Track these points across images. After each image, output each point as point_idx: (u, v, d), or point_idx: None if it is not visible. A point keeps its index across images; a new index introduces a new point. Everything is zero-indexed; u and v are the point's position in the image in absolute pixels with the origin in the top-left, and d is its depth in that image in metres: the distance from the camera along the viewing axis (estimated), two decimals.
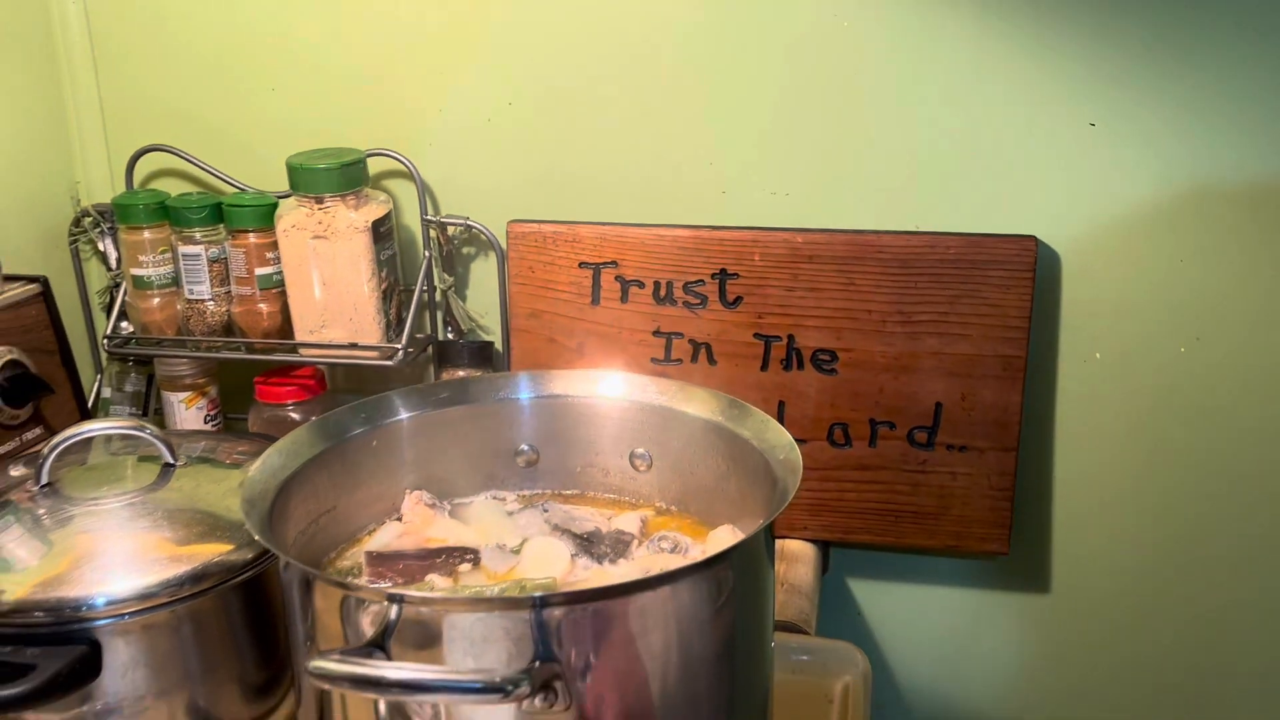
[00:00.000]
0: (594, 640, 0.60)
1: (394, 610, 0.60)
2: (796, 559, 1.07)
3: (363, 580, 0.76)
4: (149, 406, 1.19)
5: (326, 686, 0.60)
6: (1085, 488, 1.07)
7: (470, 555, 0.79)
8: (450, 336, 1.14)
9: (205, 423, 1.16)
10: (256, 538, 0.64)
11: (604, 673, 0.60)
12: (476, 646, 0.59)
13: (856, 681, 0.94)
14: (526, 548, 0.80)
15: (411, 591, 0.59)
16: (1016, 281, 1.00)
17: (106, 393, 1.18)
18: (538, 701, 0.58)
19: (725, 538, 0.81)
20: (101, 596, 0.73)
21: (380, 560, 0.77)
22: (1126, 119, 0.97)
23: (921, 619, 1.14)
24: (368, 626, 0.61)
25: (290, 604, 0.67)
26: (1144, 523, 1.06)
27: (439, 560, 0.78)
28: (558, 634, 0.59)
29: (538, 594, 0.60)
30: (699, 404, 0.83)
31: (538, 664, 0.57)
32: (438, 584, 0.75)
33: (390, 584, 0.75)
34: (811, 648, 0.96)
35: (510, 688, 0.54)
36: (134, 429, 0.84)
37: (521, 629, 0.58)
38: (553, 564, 0.77)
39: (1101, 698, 1.12)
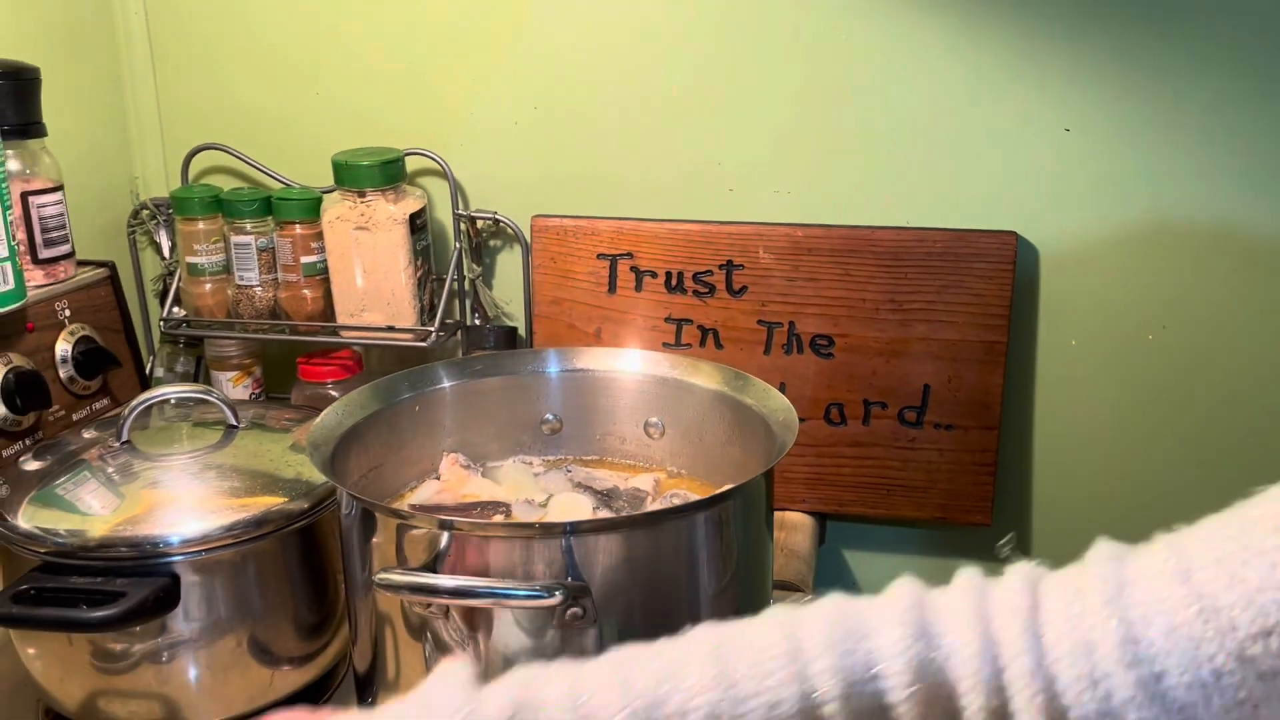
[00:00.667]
0: (616, 564, 0.69)
1: (444, 538, 0.69)
2: (795, 528, 1.16)
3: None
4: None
5: (390, 595, 0.69)
6: (1062, 463, 1.15)
7: (503, 508, 0.88)
8: (478, 322, 1.23)
9: (250, 400, 1.25)
10: (321, 474, 0.73)
11: (623, 593, 0.69)
12: (516, 569, 0.68)
13: None
14: (552, 502, 0.90)
15: (460, 518, 0.68)
16: (998, 273, 1.09)
17: (159, 373, 1.28)
18: (568, 615, 0.67)
19: None
20: (177, 536, 0.83)
21: (422, 510, 0.86)
22: (1097, 125, 1.06)
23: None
24: (421, 553, 0.71)
25: (349, 538, 0.76)
26: (1116, 495, 1.14)
27: (475, 512, 0.88)
28: (586, 558, 0.68)
29: (569, 521, 0.69)
30: (706, 376, 0.93)
31: (570, 579, 0.67)
32: None
33: None
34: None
35: (546, 595, 0.63)
36: (204, 393, 0.94)
37: (554, 553, 0.68)
38: (576, 515, 0.86)
39: None
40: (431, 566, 0.70)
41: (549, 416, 0.99)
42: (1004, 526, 1.18)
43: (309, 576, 0.89)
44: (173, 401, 0.98)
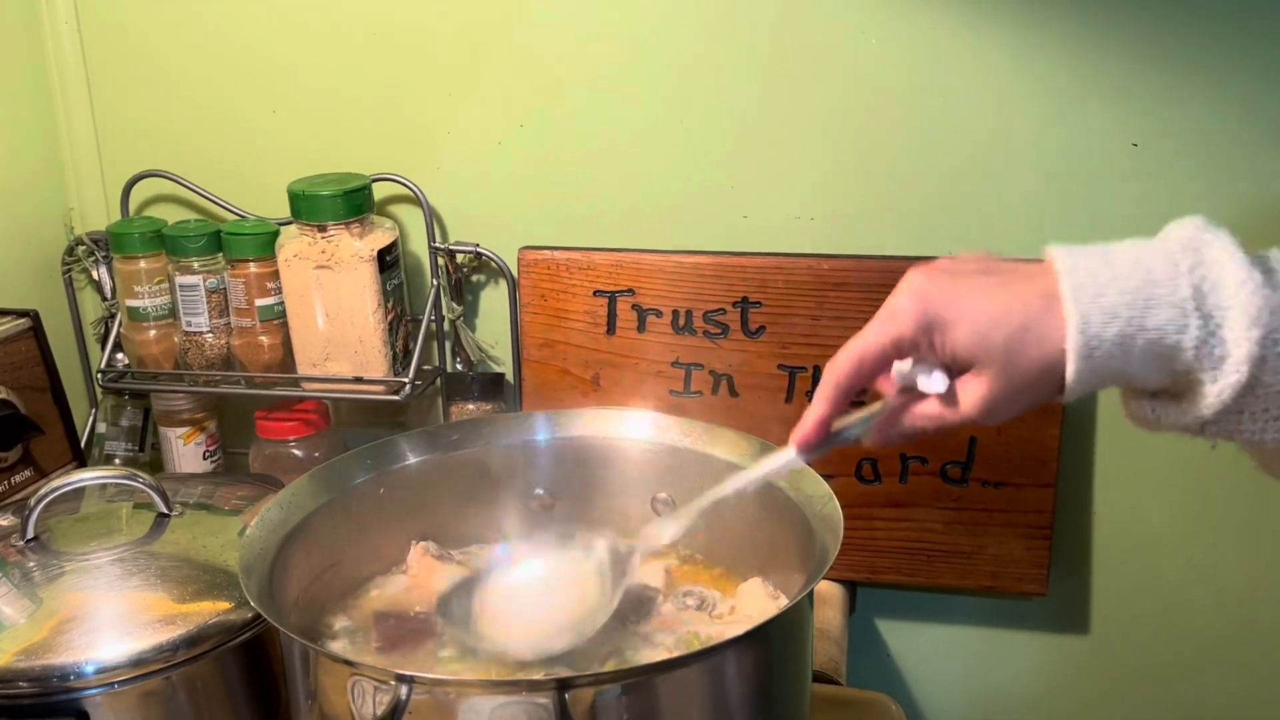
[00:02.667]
0: None
1: (404, 689, 0.55)
2: (824, 601, 1.02)
3: (372, 643, 0.71)
4: (146, 441, 1.14)
5: None
6: (1125, 525, 1.02)
7: None
8: (459, 368, 1.09)
9: (204, 459, 1.11)
10: (258, 611, 0.59)
11: None
12: None
13: None
14: None
15: (423, 673, 0.54)
16: None
17: (101, 427, 1.14)
18: None
19: (756, 593, 0.76)
20: (90, 664, 0.69)
21: (389, 621, 0.72)
22: (1171, 139, 0.92)
23: (955, 660, 1.09)
24: (377, 706, 0.56)
25: (293, 677, 0.62)
26: (1186, 561, 1.01)
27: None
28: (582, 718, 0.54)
29: (559, 676, 0.55)
30: (727, 447, 0.79)
31: None
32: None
33: (401, 651, 0.70)
34: (844, 700, 0.91)
35: None
36: (125, 478, 0.80)
37: (542, 715, 0.54)
38: None
39: None
40: None
41: (539, 491, 0.86)
42: (1060, 595, 1.04)
43: (255, 697, 0.75)
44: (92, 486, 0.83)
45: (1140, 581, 1.03)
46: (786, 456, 0.65)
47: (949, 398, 0.59)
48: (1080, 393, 0.56)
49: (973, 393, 0.58)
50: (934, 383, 0.59)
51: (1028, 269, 0.58)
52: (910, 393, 0.61)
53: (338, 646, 0.73)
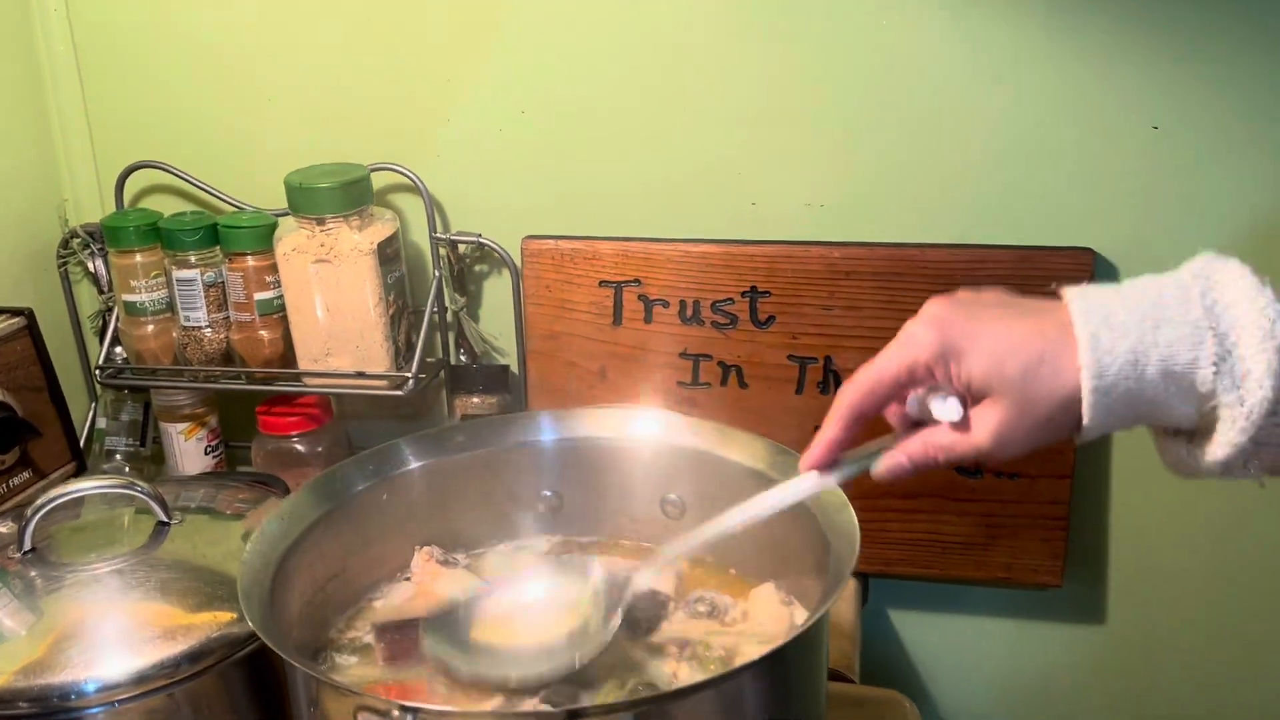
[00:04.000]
0: None
1: (409, 718, 0.54)
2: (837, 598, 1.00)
3: (376, 658, 0.70)
4: (147, 436, 1.13)
5: None
6: (1142, 516, 1.00)
7: None
8: (463, 360, 1.07)
9: (206, 454, 1.09)
10: (259, 635, 0.57)
11: None
12: None
13: None
14: None
15: (429, 706, 0.52)
16: None
17: (102, 423, 1.12)
18: None
19: (768, 599, 0.74)
20: (91, 682, 0.68)
21: (391, 633, 0.71)
22: (1193, 121, 0.89)
23: (969, 652, 1.08)
24: None
25: (297, 701, 0.61)
26: (1204, 550, 0.99)
27: None
28: None
29: (569, 707, 0.53)
30: (741, 449, 0.77)
31: None
32: None
33: (403, 664, 0.68)
34: (856, 698, 0.89)
35: None
36: (123, 487, 0.78)
37: None
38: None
39: None
40: None
41: (546, 493, 0.84)
42: (1075, 587, 1.02)
43: (262, 711, 0.73)
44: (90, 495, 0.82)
45: (1157, 572, 1.01)
46: (805, 484, 0.63)
47: (962, 426, 0.58)
48: (1099, 426, 0.55)
49: (986, 422, 0.57)
50: (948, 410, 0.58)
51: (1046, 304, 0.57)
52: (920, 426, 0.61)
53: (343, 661, 0.71)
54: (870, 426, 0.62)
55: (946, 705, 1.10)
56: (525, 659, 0.64)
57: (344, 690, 0.56)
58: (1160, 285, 0.54)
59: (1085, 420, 0.54)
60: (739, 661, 0.67)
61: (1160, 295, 0.54)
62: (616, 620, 0.65)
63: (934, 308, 0.58)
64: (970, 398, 0.58)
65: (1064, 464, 0.97)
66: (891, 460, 0.61)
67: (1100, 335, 0.53)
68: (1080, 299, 0.55)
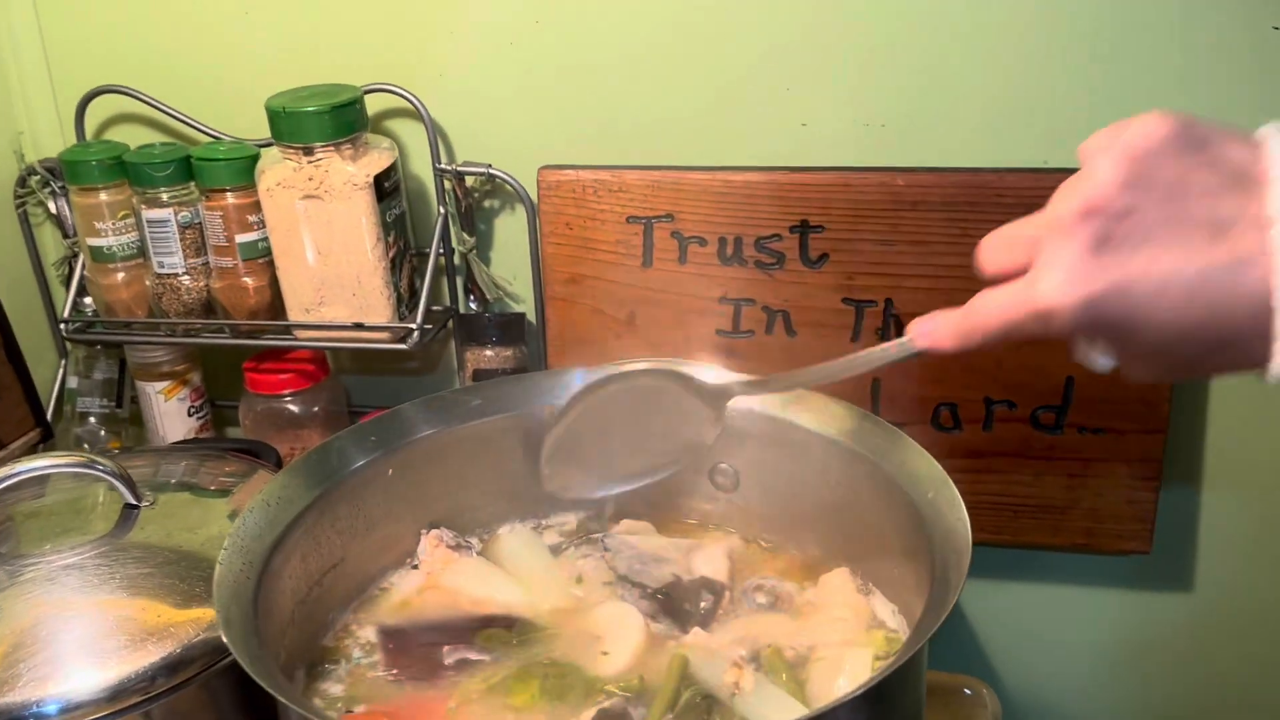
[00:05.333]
0: None
1: None
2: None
3: (379, 665, 0.59)
4: (124, 396, 1.02)
5: None
6: (1239, 475, 0.90)
7: (508, 623, 0.62)
8: (474, 308, 0.97)
9: (189, 415, 0.99)
10: (240, 662, 0.47)
11: None
12: None
13: None
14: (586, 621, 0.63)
15: None
16: None
17: (73, 382, 1.02)
18: None
19: (843, 587, 0.64)
20: (51, 701, 0.58)
21: (396, 640, 0.61)
22: None
23: (1041, 623, 0.98)
24: None
25: None
26: None
27: (474, 632, 0.61)
28: None
29: None
30: (818, 415, 0.66)
31: None
32: (471, 671, 0.59)
33: (408, 674, 0.58)
34: (931, 686, 0.79)
35: None
36: (84, 465, 0.67)
37: None
38: (623, 638, 0.60)
39: (1250, 704, 0.96)
40: None
41: None
42: (1165, 555, 0.92)
43: None
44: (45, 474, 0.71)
45: (1252, 540, 0.91)
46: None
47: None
48: None
49: (1137, 373, 0.47)
50: (1097, 362, 0.48)
51: (1237, 205, 0.44)
52: None
53: (346, 669, 0.61)
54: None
55: (1016, 684, 1.01)
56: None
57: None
58: None
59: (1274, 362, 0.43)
60: (815, 669, 0.57)
61: None
62: (719, 427, 0.61)
63: (1073, 240, 0.46)
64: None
65: (1158, 418, 0.86)
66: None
67: None
68: None
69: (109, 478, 0.67)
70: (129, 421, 1.03)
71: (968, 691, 0.79)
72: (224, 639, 0.49)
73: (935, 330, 0.53)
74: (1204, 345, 0.44)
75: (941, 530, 0.55)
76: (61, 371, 1.02)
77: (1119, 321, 0.44)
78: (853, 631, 0.60)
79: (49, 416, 0.97)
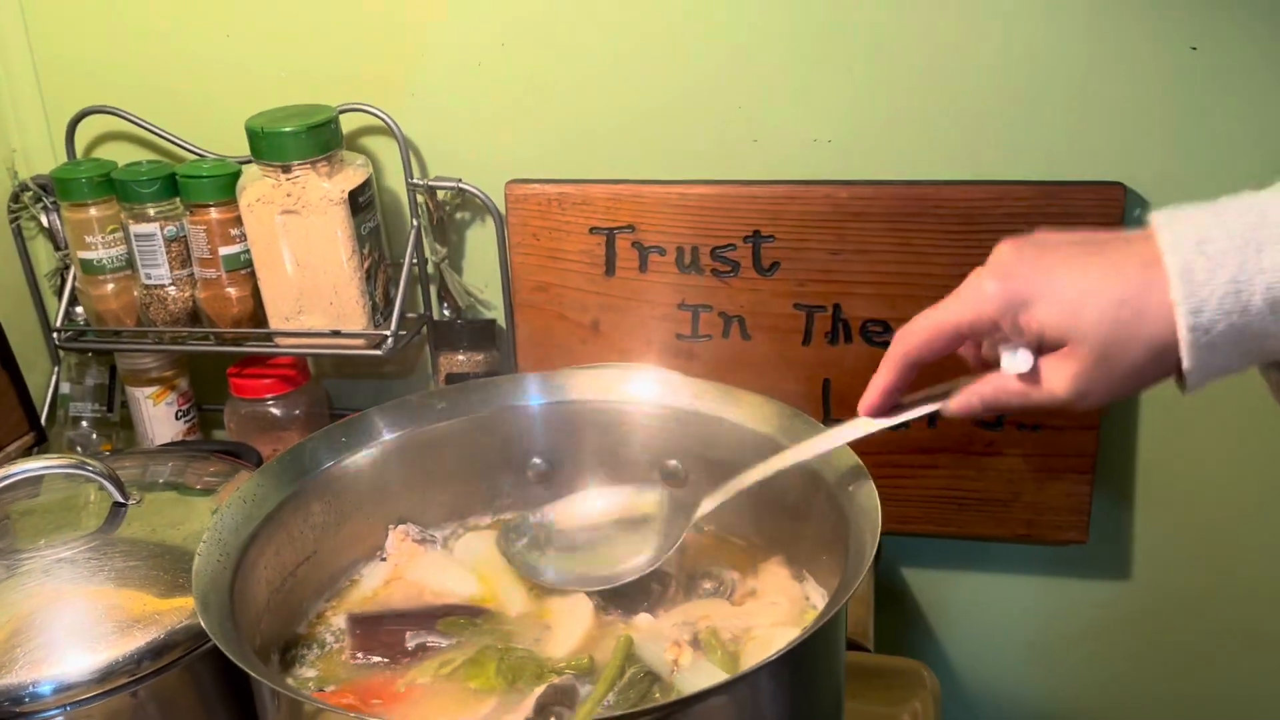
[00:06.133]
0: None
1: None
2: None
3: (347, 650, 0.64)
4: (114, 401, 1.07)
5: None
6: (1170, 468, 0.95)
7: (479, 615, 0.67)
8: (447, 315, 1.01)
9: (177, 419, 1.03)
10: (215, 642, 0.52)
11: None
12: None
13: (926, 705, 0.82)
14: (540, 609, 0.68)
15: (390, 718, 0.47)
16: None
17: (65, 388, 1.06)
18: None
19: (778, 575, 0.69)
20: (45, 682, 0.62)
21: (364, 626, 0.65)
22: (1236, 41, 0.81)
23: (987, 611, 1.03)
24: None
25: (262, 706, 0.55)
26: (1234, 504, 0.94)
27: (435, 620, 0.66)
28: None
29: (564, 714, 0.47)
30: (750, 412, 0.71)
31: None
32: (433, 655, 0.64)
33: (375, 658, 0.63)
34: (873, 668, 0.84)
35: None
36: (74, 466, 0.72)
37: None
38: (574, 623, 0.65)
39: (1188, 690, 1.01)
40: None
41: (536, 461, 0.77)
42: (1102, 544, 0.97)
43: (233, 712, 0.68)
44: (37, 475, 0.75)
45: (1186, 527, 0.96)
46: (863, 427, 0.61)
47: (1032, 377, 0.53)
48: (1202, 369, 0.48)
49: (1062, 373, 0.51)
50: (1018, 362, 0.53)
51: (1132, 236, 0.50)
52: (995, 366, 0.55)
53: (318, 654, 0.66)
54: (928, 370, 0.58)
55: (964, 668, 1.06)
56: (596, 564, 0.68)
57: (305, 699, 0.51)
58: (1262, 202, 0.47)
59: (1185, 364, 0.48)
60: (748, 648, 0.62)
61: (1263, 214, 0.47)
62: (683, 535, 0.67)
63: (1002, 254, 0.53)
64: (1045, 346, 0.52)
65: (1090, 415, 0.91)
66: (963, 401, 0.57)
67: (1194, 266, 0.47)
68: (1169, 226, 0.48)
69: (98, 478, 0.72)
70: (119, 425, 1.08)
71: (909, 672, 0.84)
72: (201, 623, 0.54)
73: (865, 398, 0.59)
74: (1104, 304, 0.49)
75: (858, 516, 0.59)
76: (54, 378, 1.06)
77: (1029, 288, 0.50)
78: (786, 615, 0.65)
79: (43, 421, 1.01)
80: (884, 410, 0.59)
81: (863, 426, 0.61)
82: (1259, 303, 0.46)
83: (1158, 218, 0.49)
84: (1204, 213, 0.48)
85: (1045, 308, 0.50)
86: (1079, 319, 0.49)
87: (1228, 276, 0.46)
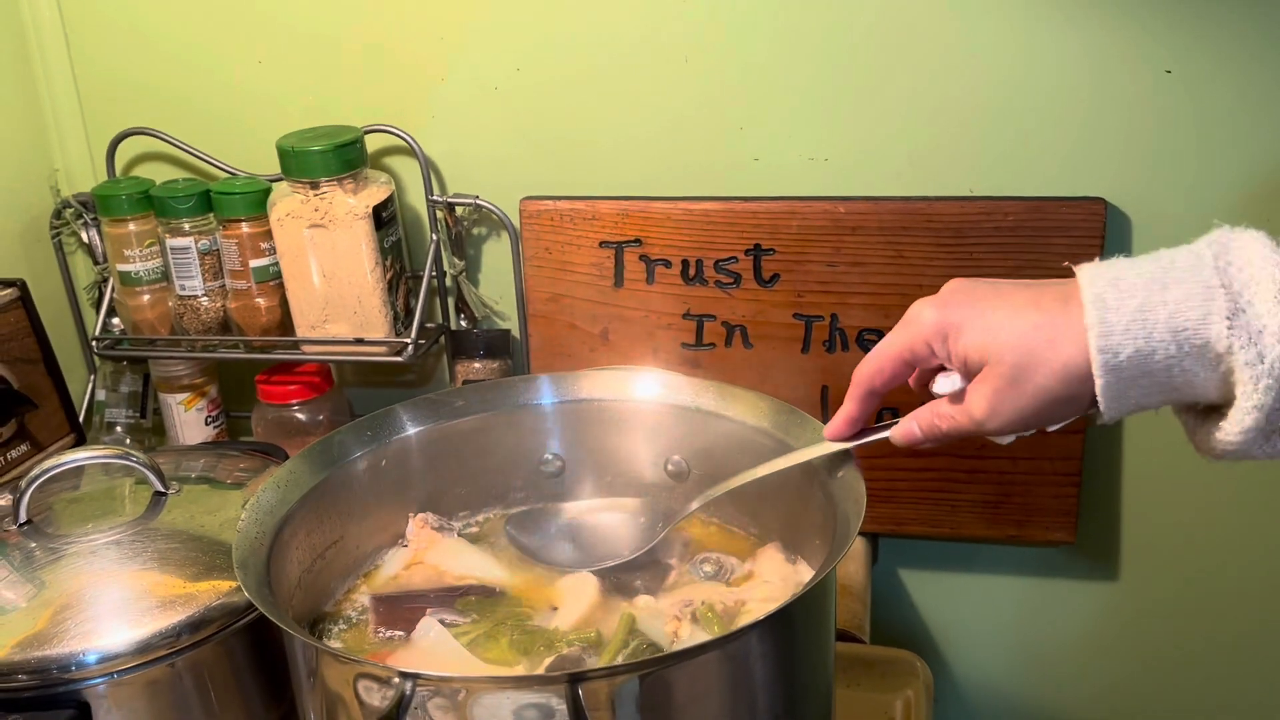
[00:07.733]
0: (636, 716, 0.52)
1: (409, 685, 0.53)
2: (846, 555, 0.99)
3: (369, 627, 0.69)
4: (147, 407, 1.12)
5: None
6: (1156, 470, 0.98)
7: (482, 592, 0.72)
8: (464, 325, 1.06)
9: (206, 424, 1.08)
10: (255, 603, 0.56)
11: None
12: None
13: (918, 694, 0.86)
14: (550, 590, 0.73)
15: (429, 673, 0.51)
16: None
17: (101, 394, 1.11)
18: None
19: (774, 559, 0.73)
20: (91, 653, 0.67)
21: (386, 605, 0.70)
22: (1209, 64, 0.86)
23: (980, 611, 1.07)
24: (382, 701, 0.54)
25: (296, 670, 0.60)
26: (1219, 505, 0.98)
27: (453, 599, 0.71)
28: (595, 711, 0.51)
29: (571, 671, 0.52)
30: (745, 408, 0.75)
31: None
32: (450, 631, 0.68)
33: (401, 632, 0.68)
34: (867, 659, 0.88)
35: None
36: (118, 457, 0.77)
37: (553, 707, 0.51)
38: (582, 600, 0.69)
39: (1173, 688, 1.05)
40: (394, 716, 0.53)
41: (548, 456, 0.82)
42: (1089, 545, 1.01)
43: (263, 677, 0.73)
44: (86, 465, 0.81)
45: (1172, 528, 1.00)
46: (826, 449, 0.67)
47: (958, 399, 0.58)
48: (1114, 397, 0.53)
49: (980, 394, 0.56)
50: (947, 384, 0.59)
51: (1059, 280, 0.56)
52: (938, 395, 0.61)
53: (343, 629, 0.71)
54: (888, 398, 0.65)
55: (958, 665, 1.09)
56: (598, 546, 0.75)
57: (343, 658, 0.55)
58: (1172, 252, 0.53)
59: (1098, 384, 0.52)
60: (742, 621, 0.66)
61: (1172, 261, 0.52)
62: (679, 519, 0.75)
63: (947, 287, 0.59)
64: (969, 371, 0.57)
65: (1077, 420, 0.95)
66: (904, 428, 0.63)
67: (1106, 295, 0.52)
68: (1088, 270, 0.54)
69: (141, 468, 0.77)
70: (152, 430, 1.13)
71: (902, 661, 0.88)
72: (242, 586, 0.59)
73: (831, 425, 0.66)
74: (1020, 329, 0.54)
75: (843, 495, 0.64)
76: (91, 385, 1.11)
77: (957, 316, 0.55)
78: (779, 592, 0.69)
79: None
80: (847, 436, 0.66)
81: (827, 448, 0.67)
82: (1162, 330, 0.51)
83: (1081, 267, 0.55)
84: (1120, 261, 0.54)
85: (970, 333, 0.55)
86: (997, 342, 0.54)
87: (1136, 305, 0.51)
